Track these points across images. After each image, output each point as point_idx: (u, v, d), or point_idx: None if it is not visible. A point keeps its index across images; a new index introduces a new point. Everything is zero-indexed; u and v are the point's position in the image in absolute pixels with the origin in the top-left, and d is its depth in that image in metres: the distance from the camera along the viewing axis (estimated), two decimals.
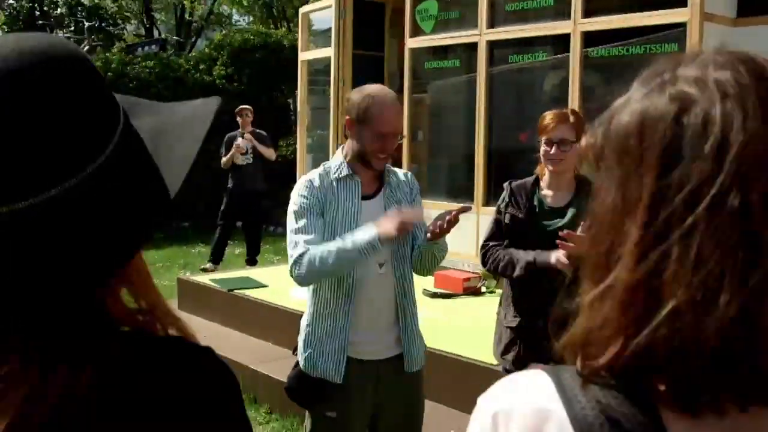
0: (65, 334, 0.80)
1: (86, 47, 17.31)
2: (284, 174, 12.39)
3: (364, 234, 2.74)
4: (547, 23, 6.60)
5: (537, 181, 3.51)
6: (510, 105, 7.45)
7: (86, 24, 19.29)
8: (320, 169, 3.01)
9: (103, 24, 20.81)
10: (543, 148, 3.37)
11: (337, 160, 3.00)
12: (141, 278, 0.88)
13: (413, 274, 3.09)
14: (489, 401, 0.83)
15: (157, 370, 0.84)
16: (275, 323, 5.92)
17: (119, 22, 22.33)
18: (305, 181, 2.96)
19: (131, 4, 24.38)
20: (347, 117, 2.96)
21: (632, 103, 0.77)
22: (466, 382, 4.51)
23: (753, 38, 5.48)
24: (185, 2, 23.36)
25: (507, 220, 3.46)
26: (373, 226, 2.74)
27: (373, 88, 3.00)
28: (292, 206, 2.93)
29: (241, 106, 10.03)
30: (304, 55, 9.61)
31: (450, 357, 4.68)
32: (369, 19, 8.99)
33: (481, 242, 3.59)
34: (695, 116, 0.71)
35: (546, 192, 3.47)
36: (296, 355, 3.08)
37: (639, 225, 0.72)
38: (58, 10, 20.21)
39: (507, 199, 3.50)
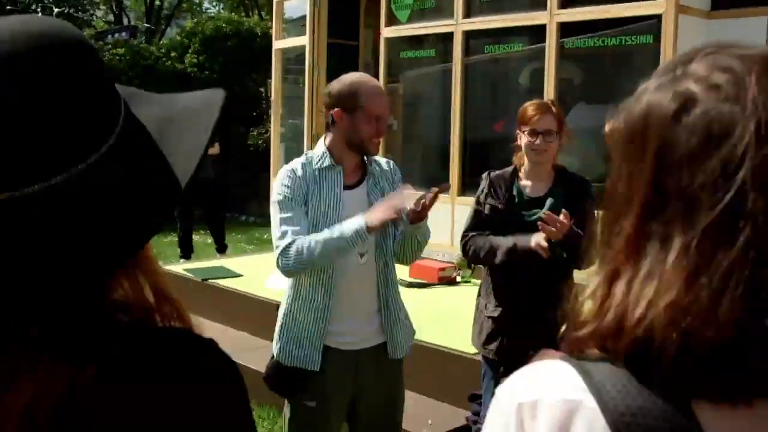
0: (70, 326, 0.78)
1: None
2: (257, 163, 12.33)
3: (351, 224, 2.73)
4: (523, 14, 6.60)
5: (515, 171, 3.52)
6: (485, 95, 7.47)
7: (55, 10, 18.98)
8: (302, 158, 2.99)
9: (71, 10, 20.49)
10: (527, 138, 3.37)
11: (320, 150, 2.98)
12: (149, 267, 0.86)
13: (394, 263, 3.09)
14: (511, 393, 0.82)
15: (160, 363, 0.82)
16: (251, 313, 5.89)
17: (88, 8, 22.00)
18: (288, 170, 2.94)
19: None
20: (336, 109, 2.92)
21: (645, 94, 0.79)
22: (443, 371, 4.53)
23: (726, 31, 5.55)
24: None
25: (487, 211, 3.47)
26: (361, 216, 2.73)
27: (354, 76, 3.00)
28: (276, 196, 2.90)
29: None
30: (278, 44, 9.54)
31: (426, 346, 4.68)
32: (344, 7, 8.94)
33: (460, 233, 3.60)
34: (694, 116, 0.73)
35: (525, 182, 3.48)
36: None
37: (637, 211, 0.74)
38: None
39: (486, 190, 3.51)
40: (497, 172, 3.55)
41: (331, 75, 8.51)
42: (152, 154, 0.84)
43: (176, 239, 9.96)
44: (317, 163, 2.94)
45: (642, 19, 5.81)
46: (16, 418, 0.74)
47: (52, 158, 0.76)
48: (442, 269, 6.45)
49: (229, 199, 10.56)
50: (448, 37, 7.12)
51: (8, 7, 17.26)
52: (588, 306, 0.79)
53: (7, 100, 0.75)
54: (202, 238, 10.55)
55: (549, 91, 6.14)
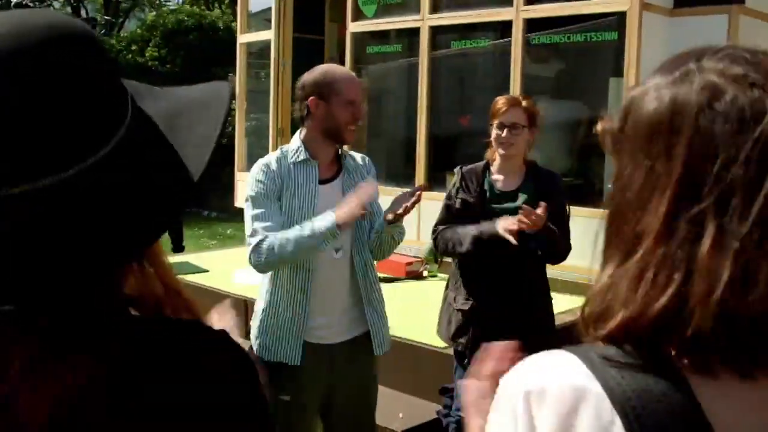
0: (83, 319, 0.77)
1: None
2: (220, 159, 12.24)
3: (322, 221, 2.73)
4: (489, 9, 6.64)
5: (487, 165, 3.54)
6: (452, 91, 7.50)
7: (12, 2, 18.63)
8: (277, 152, 2.99)
9: (28, 2, 20.13)
10: (494, 131, 3.41)
11: (295, 144, 2.97)
12: (157, 261, 0.86)
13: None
14: (517, 382, 0.83)
15: (173, 357, 0.83)
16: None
17: (44, 0, 21.63)
18: (262, 165, 2.93)
19: None
20: (311, 98, 2.91)
21: (658, 90, 0.81)
22: (414, 365, 4.55)
23: (688, 28, 5.65)
24: None
25: (458, 205, 3.49)
26: (331, 213, 2.74)
27: (325, 65, 3.04)
28: (249, 191, 2.90)
29: None
30: (242, 38, 9.47)
31: (397, 341, 4.69)
32: (309, 2, 8.91)
33: (427, 228, 3.63)
34: (725, 103, 0.76)
35: (496, 176, 3.51)
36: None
37: (668, 199, 0.76)
38: None
39: (458, 184, 3.53)
40: (469, 166, 3.58)
41: (296, 69, 8.50)
42: (162, 148, 0.84)
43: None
44: (292, 157, 2.93)
45: (607, 16, 5.89)
46: (46, 409, 0.74)
47: (63, 152, 0.76)
48: (410, 264, 6.48)
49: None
50: (414, 32, 7.14)
51: None
52: (598, 299, 0.81)
53: (16, 95, 0.75)
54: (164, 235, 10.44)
55: (515, 87, 6.19)
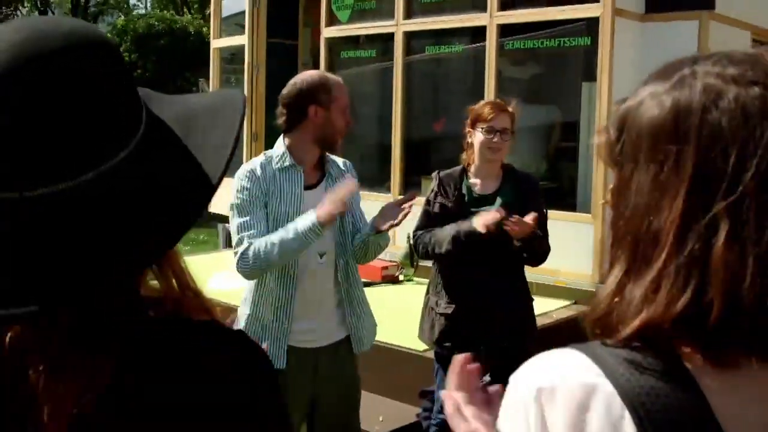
0: (105, 320, 0.78)
1: None
2: None
3: (304, 221, 2.74)
4: (463, 15, 6.68)
5: (464, 170, 3.57)
6: (426, 96, 7.53)
7: None
8: (261, 157, 2.99)
9: None
10: (483, 136, 3.42)
11: (279, 150, 2.97)
12: (175, 262, 0.87)
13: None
14: (528, 380, 0.85)
15: (173, 354, 0.84)
16: None
17: (12, 3, 21.41)
18: (247, 170, 2.92)
19: None
20: (311, 106, 2.89)
21: (657, 97, 0.83)
22: (393, 369, 4.56)
23: (660, 33, 5.73)
24: None
25: (436, 209, 3.52)
26: (313, 212, 2.75)
27: (318, 73, 3.07)
28: (235, 199, 2.89)
29: None
30: (216, 43, 9.44)
31: (376, 344, 4.69)
32: (282, 6, 8.90)
33: (402, 232, 3.65)
34: (729, 102, 0.78)
35: (474, 180, 3.54)
36: None
37: (682, 200, 0.78)
38: None
39: (436, 189, 3.56)
40: (447, 171, 3.61)
41: (270, 74, 8.49)
42: (179, 152, 0.85)
43: None
44: (277, 163, 2.94)
45: (579, 21, 5.95)
46: (69, 408, 0.75)
47: (81, 156, 0.77)
48: (385, 268, 6.48)
49: None
50: (388, 37, 7.16)
51: None
52: (607, 302, 0.83)
53: (35, 100, 0.76)
54: None
55: (489, 92, 6.23)
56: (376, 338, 4.67)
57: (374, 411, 4.27)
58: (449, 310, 3.45)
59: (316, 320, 2.99)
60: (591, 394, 0.80)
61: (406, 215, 2.87)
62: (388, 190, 6.97)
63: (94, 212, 0.77)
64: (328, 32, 7.70)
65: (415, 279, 6.40)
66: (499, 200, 3.47)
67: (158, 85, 13.13)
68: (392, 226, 2.88)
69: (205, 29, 14.47)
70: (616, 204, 0.86)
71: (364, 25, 7.45)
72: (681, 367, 0.79)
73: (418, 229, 3.58)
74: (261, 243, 2.77)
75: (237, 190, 2.89)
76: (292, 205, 2.89)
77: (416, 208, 3.74)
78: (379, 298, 5.94)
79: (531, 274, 3.71)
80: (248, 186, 2.88)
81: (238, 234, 2.84)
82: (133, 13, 22.92)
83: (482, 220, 3.19)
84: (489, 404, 1.06)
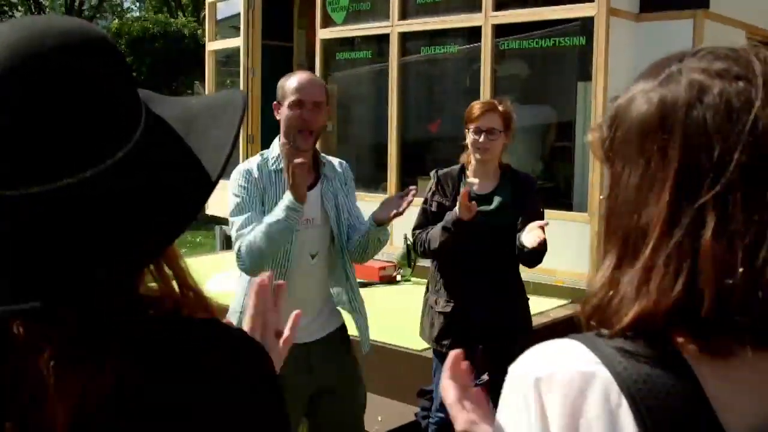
0: (105, 319, 0.79)
1: None
2: None
3: (281, 203, 2.77)
4: (458, 16, 6.70)
5: (463, 169, 3.58)
6: (422, 96, 7.55)
7: None
8: (257, 158, 2.99)
9: None
10: (471, 136, 3.44)
11: (275, 151, 2.98)
12: (174, 261, 0.87)
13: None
14: (526, 369, 0.86)
15: (193, 354, 0.84)
16: None
17: (5, 8, 21.39)
18: (243, 171, 2.92)
19: None
20: (274, 103, 2.98)
21: (646, 94, 0.85)
22: (392, 369, 4.56)
23: (655, 32, 5.76)
24: None
25: (434, 208, 3.53)
26: (287, 193, 2.76)
27: (292, 73, 3.07)
28: (233, 199, 2.90)
29: None
30: (211, 46, 9.44)
31: (374, 344, 4.70)
32: (277, 8, 8.91)
33: (399, 232, 3.67)
34: (713, 96, 0.80)
35: (472, 180, 3.55)
36: None
37: (668, 193, 0.80)
38: None
39: (434, 188, 3.57)
40: (445, 170, 3.62)
41: (265, 77, 8.50)
42: (179, 150, 0.85)
43: None
44: (273, 164, 2.94)
45: (574, 21, 5.97)
46: (69, 409, 0.75)
47: (80, 154, 0.78)
48: (383, 268, 6.50)
49: None
50: (384, 38, 7.17)
51: None
52: (600, 294, 0.85)
53: (34, 98, 0.76)
54: None
55: (485, 92, 6.25)
56: (374, 338, 4.71)
57: (373, 411, 4.26)
58: (448, 309, 3.46)
59: (306, 317, 2.99)
60: (589, 382, 0.81)
61: (409, 203, 2.88)
62: (384, 190, 6.98)
63: (93, 210, 0.77)
64: (323, 34, 7.71)
65: (413, 279, 6.42)
66: (496, 200, 3.48)
67: (153, 89, 12.97)
68: (396, 215, 2.88)
69: (199, 32, 14.48)
70: (608, 199, 0.88)
71: (359, 27, 7.46)
72: (677, 356, 0.81)
73: (416, 228, 3.59)
74: (247, 238, 2.79)
75: (235, 191, 2.90)
76: None
77: (415, 207, 3.76)
78: (377, 298, 5.95)
79: (528, 273, 3.72)
80: (245, 185, 2.89)
81: (237, 233, 2.84)
82: (128, 16, 22.90)
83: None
84: (484, 399, 1.08)
